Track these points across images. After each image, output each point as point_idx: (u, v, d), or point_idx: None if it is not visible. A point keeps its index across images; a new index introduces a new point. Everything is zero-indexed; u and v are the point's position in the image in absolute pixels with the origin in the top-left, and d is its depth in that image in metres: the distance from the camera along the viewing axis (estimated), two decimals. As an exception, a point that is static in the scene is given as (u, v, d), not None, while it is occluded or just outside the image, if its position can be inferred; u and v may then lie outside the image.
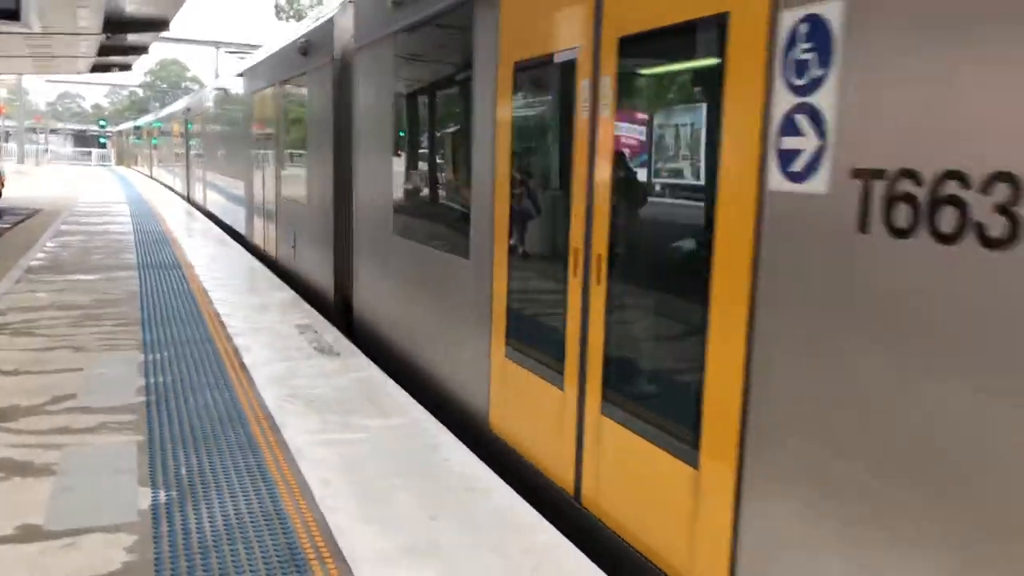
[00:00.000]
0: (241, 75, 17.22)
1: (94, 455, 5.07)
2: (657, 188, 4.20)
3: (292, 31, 13.37)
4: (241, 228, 17.46)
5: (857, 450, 2.80)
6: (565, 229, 4.64)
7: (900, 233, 2.63)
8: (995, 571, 2.42)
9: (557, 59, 4.75)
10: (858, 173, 2.78)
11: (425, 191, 7.44)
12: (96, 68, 28.44)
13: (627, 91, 4.21)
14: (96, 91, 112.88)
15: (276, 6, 68.07)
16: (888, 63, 2.69)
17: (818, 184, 2.93)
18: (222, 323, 8.91)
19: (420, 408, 6.15)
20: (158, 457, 5.06)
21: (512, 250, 5.40)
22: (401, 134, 7.82)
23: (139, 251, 14.90)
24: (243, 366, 7.20)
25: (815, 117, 2.95)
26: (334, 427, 5.70)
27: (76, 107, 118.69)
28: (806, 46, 2.99)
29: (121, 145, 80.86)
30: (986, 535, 2.42)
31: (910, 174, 2.60)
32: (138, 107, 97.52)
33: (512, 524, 4.29)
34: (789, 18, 3.06)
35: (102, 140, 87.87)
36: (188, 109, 28.88)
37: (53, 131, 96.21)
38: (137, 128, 61.31)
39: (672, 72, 4.16)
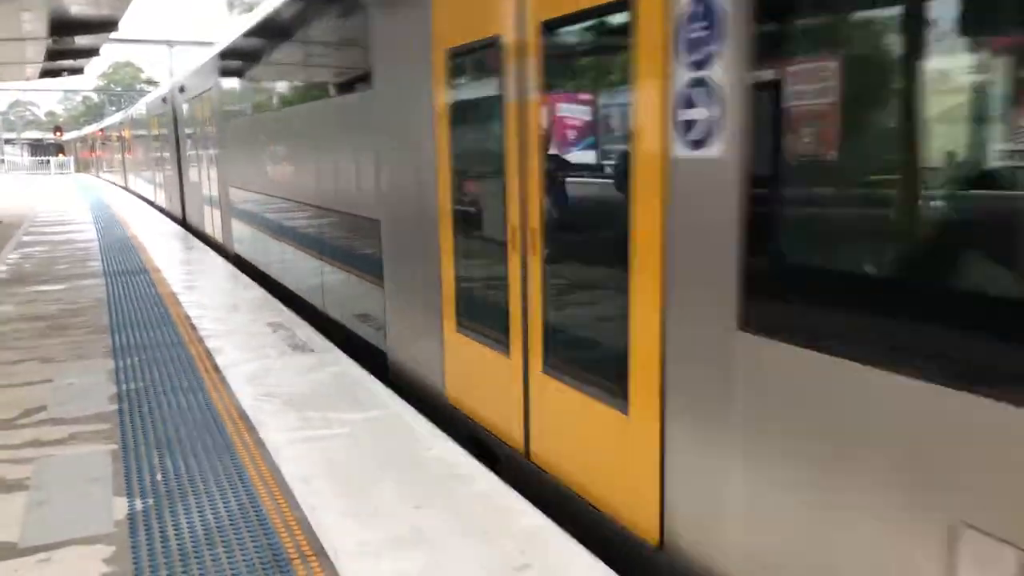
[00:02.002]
0: (138, 108, 32.13)
1: (67, 467, 4.97)
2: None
3: (160, 88, 28.37)
4: (151, 197, 29.82)
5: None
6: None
7: None
8: None
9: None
10: None
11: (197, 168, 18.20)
12: (46, 73, 27.89)
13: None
14: (50, 97, 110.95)
15: (228, 1, 67.24)
16: None
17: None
18: (193, 326, 8.78)
19: (399, 400, 6.10)
20: (133, 465, 4.97)
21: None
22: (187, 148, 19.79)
23: (104, 258, 14.66)
24: (216, 368, 7.09)
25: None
26: (312, 423, 5.63)
27: (30, 115, 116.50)
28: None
29: (77, 152, 79.94)
30: None
31: None
32: (93, 112, 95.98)
33: (496, 509, 4.25)
34: None
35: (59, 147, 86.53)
36: (121, 123, 40.33)
37: (8, 141, 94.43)
38: (83, 138, 72.02)
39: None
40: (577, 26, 4.33)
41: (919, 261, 2.75)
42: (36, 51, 21.05)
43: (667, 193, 3.57)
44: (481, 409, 5.52)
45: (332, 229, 8.69)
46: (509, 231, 4.89)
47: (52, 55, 22.13)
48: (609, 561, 3.82)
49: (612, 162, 4.28)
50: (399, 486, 4.56)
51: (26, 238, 18.58)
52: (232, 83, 13.47)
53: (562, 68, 4.55)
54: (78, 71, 29.18)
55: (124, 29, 19.96)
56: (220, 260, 14.00)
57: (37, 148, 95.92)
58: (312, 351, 7.56)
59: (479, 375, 5.46)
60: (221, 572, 3.69)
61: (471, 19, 5.20)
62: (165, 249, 15.81)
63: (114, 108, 73.10)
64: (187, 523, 4.18)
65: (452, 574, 3.63)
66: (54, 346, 8.01)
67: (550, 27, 4.38)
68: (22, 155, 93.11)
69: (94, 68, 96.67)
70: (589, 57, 4.58)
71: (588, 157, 4.61)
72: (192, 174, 19.04)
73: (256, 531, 4.08)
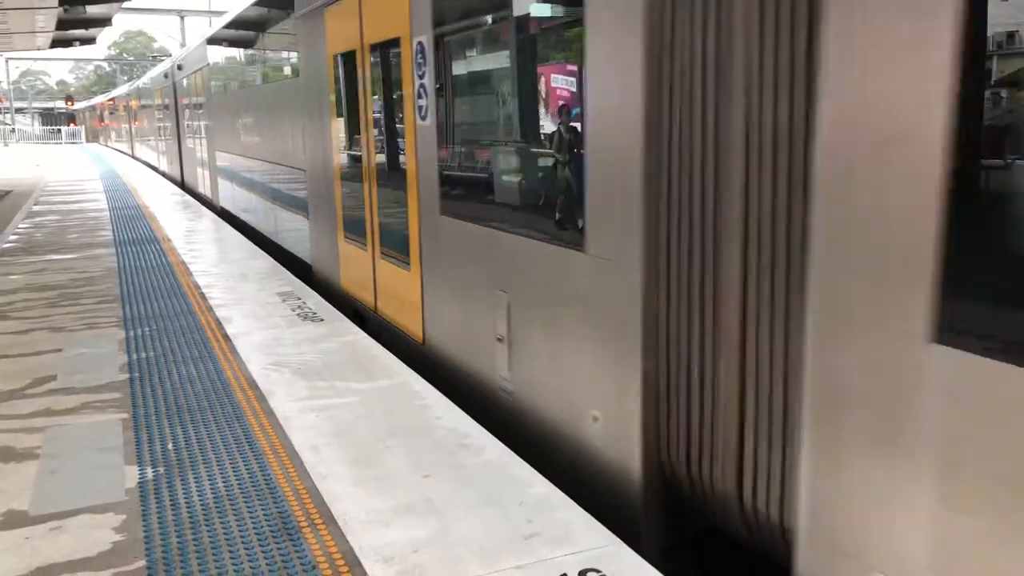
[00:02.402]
0: (144, 80, 36.04)
1: (78, 435, 4.99)
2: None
3: (165, 63, 30.64)
4: (154, 163, 33.66)
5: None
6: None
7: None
8: None
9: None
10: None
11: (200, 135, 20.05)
12: (57, 43, 27.82)
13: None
14: (61, 67, 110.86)
15: (238, -30, 66.76)
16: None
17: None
18: (203, 295, 8.79)
19: (408, 369, 6.10)
20: (144, 433, 4.99)
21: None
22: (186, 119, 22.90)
23: (115, 227, 14.69)
24: (226, 337, 7.10)
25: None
26: (322, 392, 5.63)
27: (41, 84, 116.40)
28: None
29: (88, 121, 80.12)
30: None
31: None
32: (105, 81, 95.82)
33: (505, 478, 4.25)
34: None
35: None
36: (128, 95, 44.40)
37: (19, 110, 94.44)
38: (93, 107, 75.44)
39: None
40: (384, 49, 7.17)
41: (490, 177, 5.72)
42: (47, 20, 20.97)
43: (416, 145, 6.49)
44: (356, 289, 8.45)
45: (279, 179, 11.82)
46: (363, 171, 7.90)
47: (63, 24, 22.06)
48: (401, 349, 6.93)
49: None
50: (408, 455, 4.56)
51: (36, 208, 18.63)
52: (216, 65, 16.56)
53: (382, 71, 7.38)
54: (90, 40, 29.10)
55: (134, -2, 19.85)
56: (230, 229, 14.02)
57: (48, 117, 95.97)
58: (321, 320, 7.56)
59: (354, 267, 8.45)
60: (231, 539, 3.70)
61: (343, 38, 8.12)
62: (175, 218, 15.81)
63: (126, 78, 72.90)
64: (197, 491, 4.20)
65: (461, 543, 3.63)
66: (64, 316, 8.04)
67: (374, 48, 7.34)
68: (33, 125, 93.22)
69: (106, 37, 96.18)
70: (387, 67, 7.27)
71: (394, 127, 7.38)
72: (189, 142, 22.57)
73: (266, 499, 4.09)
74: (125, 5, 22.50)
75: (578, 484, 4.41)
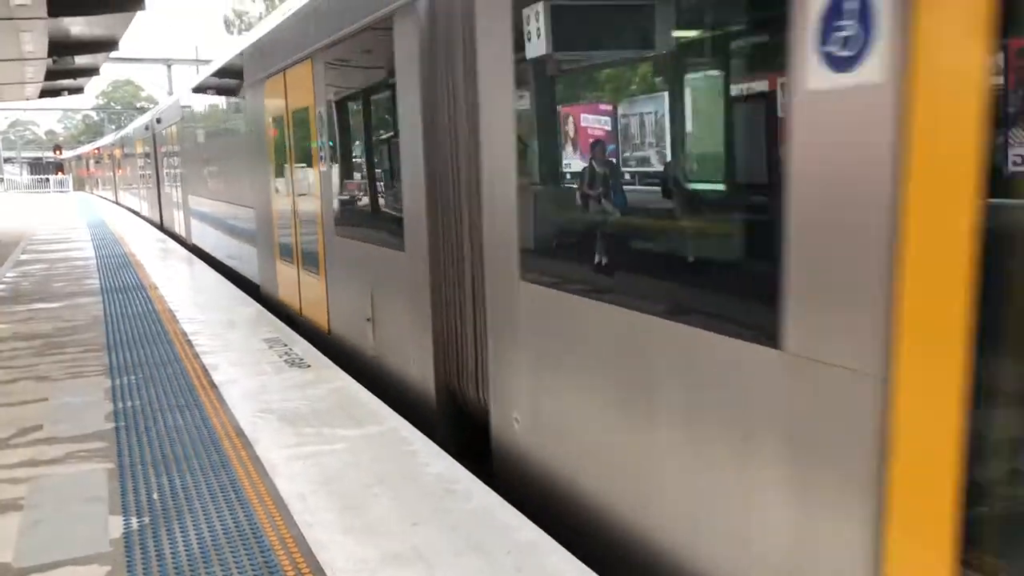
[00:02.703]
0: (127, 132, 39.15)
1: (63, 486, 4.96)
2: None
3: (145, 115, 33.72)
4: (136, 208, 35.61)
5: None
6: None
7: None
8: None
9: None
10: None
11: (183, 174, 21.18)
12: (46, 93, 27.98)
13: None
14: (49, 116, 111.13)
15: (225, 20, 67.58)
16: None
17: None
18: (189, 342, 8.77)
19: (396, 415, 6.09)
20: (129, 483, 4.95)
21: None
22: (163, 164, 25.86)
23: (101, 275, 14.67)
24: (213, 384, 7.08)
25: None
26: (309, 440, 5.61)
27: (30, 134, 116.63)
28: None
29: (74, 170, 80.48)
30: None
31: None
32: (93, 131, 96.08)
33: (493, 524, 4.24)
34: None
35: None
36: (112, 144, 48.19)
37: (8, 160, 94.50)
38: (79, 157, 78.50)
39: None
40: (300, 114, 9.26)
41: (359, 205, 8.34)
42: (36, 71, 21.12)
43: (320, 184, 8.69)
44: (289, 300, 10.48)
45: (235, 216, 14.09)
46: (291, 205, 10.06)
47: (52, 75, 22.21)
48: (316, 342, 8.72)
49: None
50: (396, 503, 4.55)
51: (24, 256, 18.59)
52: (187, 120, 19.06)
53: (299, 131, 9.41)
54: (78, 90, 29.29)
55: (124, 48, 20.03)
56: (217, 276, 14.03)
57: (37, 167, 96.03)
58: (308, 367, 7.55)
59: (287, 281, 10.55)
60: (216, 590, 3.67)
61: (276, 104, 10.31)
62: (162, 266, 15.82)
63: (113, 127, 73.14)
64: (183, 541, 4.16)
65: (448, 591, 3.61)
66: (50, 365, 8.00)
67: (294, 113, 9.46)
68: (21, 174, 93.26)
69: (94, 87, 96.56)
70: (304, 128, 9.16)
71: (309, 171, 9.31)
72: (166, 188, 25.39)
73: (252, 549, 4.06)
74: (113, 55, 22.69)
75: (409, 407, 6.48)
